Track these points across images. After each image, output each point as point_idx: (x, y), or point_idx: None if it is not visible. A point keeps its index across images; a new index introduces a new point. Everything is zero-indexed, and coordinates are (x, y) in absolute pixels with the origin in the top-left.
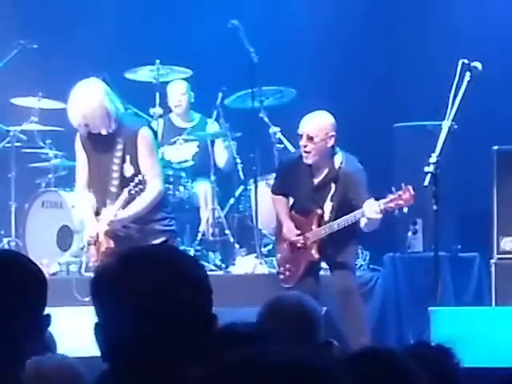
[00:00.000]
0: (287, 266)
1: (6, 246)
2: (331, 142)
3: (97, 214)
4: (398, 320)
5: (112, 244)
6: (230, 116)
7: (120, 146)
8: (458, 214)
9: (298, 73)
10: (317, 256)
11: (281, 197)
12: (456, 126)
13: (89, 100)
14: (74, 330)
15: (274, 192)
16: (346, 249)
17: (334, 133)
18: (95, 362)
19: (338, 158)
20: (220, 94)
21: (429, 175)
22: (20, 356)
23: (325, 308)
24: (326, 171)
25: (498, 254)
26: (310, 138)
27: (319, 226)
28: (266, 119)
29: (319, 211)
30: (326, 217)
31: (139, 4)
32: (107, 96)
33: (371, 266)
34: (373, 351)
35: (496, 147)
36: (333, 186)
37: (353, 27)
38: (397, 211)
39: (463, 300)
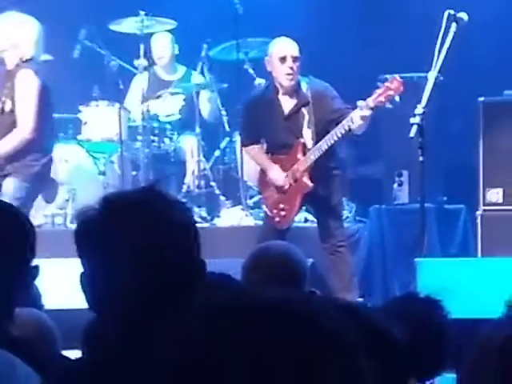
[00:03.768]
0: (281, 206)
1: None
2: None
3: None
4: (384, 272)
5: None
6: (215, 68)
7: (10, 83)
8: (443, 166)
9: (283, 24)
10: (310, 184)
11: (253, 146)
12: (442, 78)
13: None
14: (59, 283)
15: (245, 144)
16: (334, 182)
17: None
18: (80, 314)
19: (304, 83)
20: (205, 46)
21: (415, 126)
22: (7, 306)
23: (311, 259)
24: (295, 97)
25: (484, 205)
26: (296, 58)
27: (305, 154)
28: (250, 71)
29: (301, 140)
30: (309, 144)
31: None
32: (35, 36)
33: (357, 218)
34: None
35: (482, 98)
36: (305, 111)
37: None
38: (388, 103)
39: (449, 251)
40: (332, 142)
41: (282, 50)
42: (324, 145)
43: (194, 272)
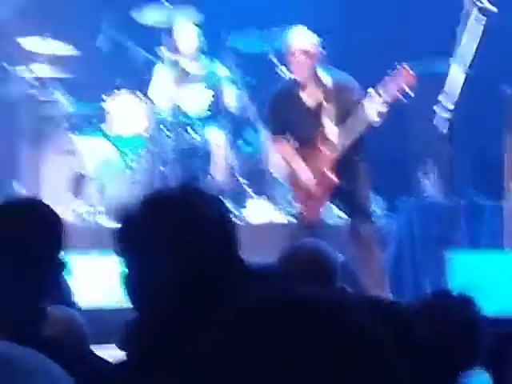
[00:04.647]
0: (308, 202)
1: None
2: (318, 59)
3: None
4: (414, 266)
5: None
6: (240, 59)
7: None
8: (472, 159)
9: (305, 12)
10: (335, 180)
11: (282, 141)
12: (470, 70)
13: None
14: (88, 279)
15: (274, 132)
16: (359, 175)
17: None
18: (107, 312)
19: (325, 74)
20: (229, 38)
21: (444, 120)
22: (40, 305)
23: (342, 256)
24: (316, 90)
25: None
26: (305, 52)
27: (328, 148)
28: (276, 62)
29: (324, 134)
30: (332, 138)
31: None
32: None
33: (385, 212)
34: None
35: (509, 91)
36: (328, 106)
37: None
38: (402, 97)
39: (478, 245)
40: (353, 137)
41: (293, 44)
42: (346, 141)
43: (230, 267)
